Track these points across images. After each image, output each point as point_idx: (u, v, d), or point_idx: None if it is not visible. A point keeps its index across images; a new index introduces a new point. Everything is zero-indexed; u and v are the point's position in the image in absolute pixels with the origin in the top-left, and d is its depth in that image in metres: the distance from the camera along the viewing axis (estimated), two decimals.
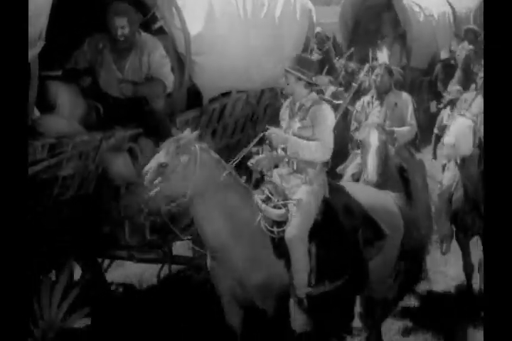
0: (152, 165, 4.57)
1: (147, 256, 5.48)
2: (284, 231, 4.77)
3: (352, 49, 12.45)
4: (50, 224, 5.01)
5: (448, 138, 6.06)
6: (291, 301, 4.89)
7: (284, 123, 5.14)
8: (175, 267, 6.21)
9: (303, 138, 4.94)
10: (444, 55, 12.72)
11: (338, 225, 4.98)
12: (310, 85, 5.06)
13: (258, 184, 5.04)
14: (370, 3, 13.06)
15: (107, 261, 6.13)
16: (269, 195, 4.90)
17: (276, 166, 5.07)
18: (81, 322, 5.20)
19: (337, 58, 12.62)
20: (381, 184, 5.97)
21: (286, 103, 5.28)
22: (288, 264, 4.82)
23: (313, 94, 5.12)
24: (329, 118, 5.04)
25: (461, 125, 6.11)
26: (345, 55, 12.75)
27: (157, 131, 5.55)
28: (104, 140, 5.24)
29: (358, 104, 6.85)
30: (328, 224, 4.95)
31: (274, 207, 4.85)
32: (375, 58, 11.96)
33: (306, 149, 4.89)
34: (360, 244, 5.06)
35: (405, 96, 6.74)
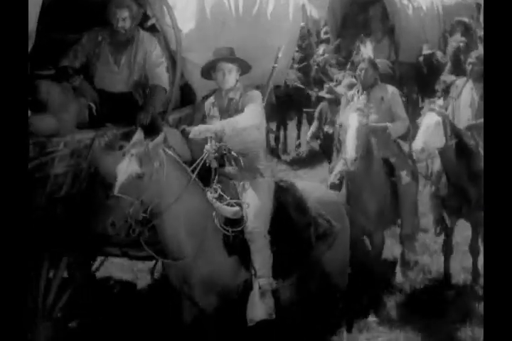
0: (129, 176, 4.54)
1: (140, 253, 5.49)
2: (237, 230, 4.88)
3: (338, 41, 12.50)
4: (43, 222, 5.03)
5: (415, 144, 6.13)
6: (253, 293, 4.95)
7: (215, 121, 5.17)
8: None
9: None
10: (426, 49, 12.54)
11: (291, 221, 5.10)
12: (241, 68, 5.20)
13: (209, 182, 5.08)
14: None
15: (99, 259, 6.15)
16: (221, 193, 4.97)
17: (222, 165, 5.14)
18: (75, 320, 5.21)
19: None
20: (363, 175, 6.01)
21: (209, 100, 5.35)
22: (242, 261, 4.94)
23: (240, 85, 5.22)
24: (256, 101, 5.13)
25: (429, 124, 6.19)
26: (330, 47, 12.83)
27: (150, 128, 5.57)
28: (97, 138, 5.25)
29: (343, 98, 6.86)
30: (280, 221, 5.07)
31: (227, 204, 4.93)
32: (358, 52, 12.06)
33: (237, 121, 4.98)
34: (313, 240, 5.19)
35: (392, 89, 6.71)
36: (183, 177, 4.85)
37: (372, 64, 6.71)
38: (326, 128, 9.25)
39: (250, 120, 5.05)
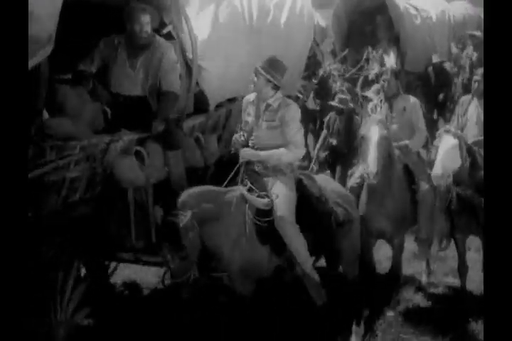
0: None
1: (153, 259, 5.52)
2: (269, 220, 5.21)
3: (346, 51, 12.51)
4: (58, 226, 5.06)
5: (435, 170, 6.17)
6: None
7: (249, 119, 5.50)
8: None
9: (272, 137, 5.37)
10: (435, 58, 12.58)
11: (313, 210, 5.45)
12: (277, 87, 5.39)
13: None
14: (365, 6, 12.98)
15: (112, 265, 6.17)
16: (252, 187, 5.29)
17: (249, 162, 5.47)
18: (84, 321, 5.23)
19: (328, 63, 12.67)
20: (385, 184, 6.11)
21: (250, 98, 5.59)
22: (275, 249, 5.30)
23: (279, 94, 5.46)
24: (297, 117, 5.45)
25: (447, 148, 6.22)
26: (338, 57, 12.84)
27: (165, 135, 5.61)
28: (112, 143, 5.29)
29: (367, 108, 6.91)
30: (304, 211, 5.39)
31: (258, 196, 5.25)
32: (367, 60, 12.07)
33: (284, 155, 5.37)
34: (334, 227, 5.55)
35: (413, 100, 6.78)
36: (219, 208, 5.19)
37: (395, 74, 6.76)
38: (331, 140, 9.33)
39: (294, 156, 5.49)
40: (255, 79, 5.39)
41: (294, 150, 5.38)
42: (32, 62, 4.55)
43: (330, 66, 12.01)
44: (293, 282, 5.68)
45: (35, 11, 4.50)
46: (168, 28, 6.08)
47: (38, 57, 4.59)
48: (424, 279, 7.16)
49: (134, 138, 5.49)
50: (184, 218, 4.86)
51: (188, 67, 6.11)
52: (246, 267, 5.14)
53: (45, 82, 4.74)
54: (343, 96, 9.21)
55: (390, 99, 6.69)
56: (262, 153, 5.39)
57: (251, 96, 5.59)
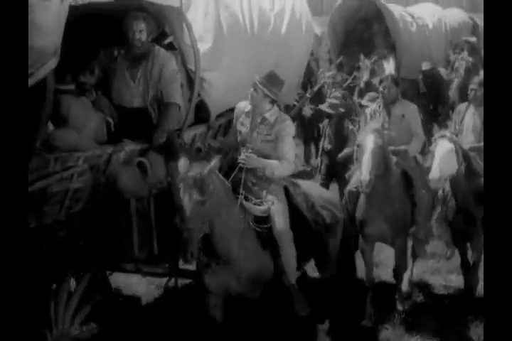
0: (193, 206, 4.78)
1: (154, 270, 5.55)
2: (266, 226, 5.31)
3: (340, 58, 12.56)
4: (59, 237, 5.09)
5: (432, 174, 6.24)
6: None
7: (243, 130, 5.59)
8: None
9: (265, 150, 5.47)
10: (425, 66, 12.63)
11: (302, 217, 5.58)
12: (274, 101, 5.52)
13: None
14: (361, 14, 13.07)
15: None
16: (247, 195, 5.36)
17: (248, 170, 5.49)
18: (89, 333, 5.25)
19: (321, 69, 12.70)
20: (383, 189, 6.21)
21: (244, 107, 5.68)
22: (273, 255, 5.37)
23: (275, 108, 5.58)
24: (292, 133, 5.59)
25: (444, 152, 6.32)
26: (332, 64, 12.88)
27: (166, 146, 5.64)
28: (114, 153, 5.32)
29: (365, 113, 6.97)
30: (294, 218, 5.49)
31: (255, 204, 5.33)
32: (358, 68, 12.12)
33: (279, 168, 5.47)
34: (322, 230, 5.73)
35: (412, 106, 6.86)
36: (228, 191, 5.23)
37: (395, 81, 6.81)
38: (325, 144, 9.39)
39: (285, 171, 5.55)
40: (254, 93, 5.48)
41: (286, 164, 5.49)
42: (38, 75, 4.59)
43: (324, 73, 12.08)
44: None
45: (41, 24, 4.55)
46: (170, 39, 6.12)
47: (44, 69, 4.63)
48: (405, 287, 7.11)
49: (136, 148, 5.52)
50: (211, 165, 4.91)
51: (189, 77, 6.14)
52: (255, 270, 5.21)
53: (51, 94, 4.77)
54: (333, 101, 9.23)
55: (388, 105, 6.75)
56: (263, 161, 5.45)
57: (245, 106, 5.67)
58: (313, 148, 12.17)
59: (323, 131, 9.52)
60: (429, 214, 6.65)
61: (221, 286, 5.28)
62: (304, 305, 5.52)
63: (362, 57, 12.18)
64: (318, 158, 9.65)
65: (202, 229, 4.85)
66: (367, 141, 6.07)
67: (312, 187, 6.20)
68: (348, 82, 11.44)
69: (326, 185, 9.52)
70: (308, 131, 11.86)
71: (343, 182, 9.49)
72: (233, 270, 5.18)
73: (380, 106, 6.82)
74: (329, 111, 9.06)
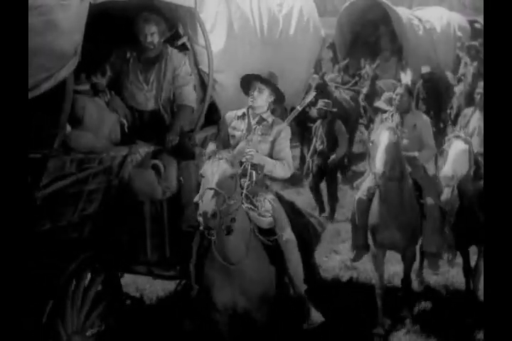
0: (223, 174, 4.55)
1: (166, 273, 5.53)
2: (272, 239, 5.03)
3: (347, 60, 12.56)
4: (73, 238, 5.06)
5: (446, 170, 6.23)
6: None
7: (238, 133, 5.42)
8: None
9: (263, 151, 5.30)
10: (424, 69, 12.57)
11: (295, 227, 5.34)
12: (277, 101, 5.45)
13: None
14: (369, 17, 13.09)
15: None
16: (250, 206, 5.10)
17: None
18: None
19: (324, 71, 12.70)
20: (397, 196, 6.19)
21: (236, 113, 5.52)
22: (279, 270, 5.12)
23: (269, 112, 5.47)
24: (289, 136, 5.43)
25: (458, 151, 6.31)
26: (338, 66, 12.89)
27: (178, 148, 5.62)
28: (129, 156, 5.30)
29: (376, 120, 6.98)
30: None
31: (259, 215, 5.08)
32: (359, 76, 12.14)
33: (279, 168, 5.29)
34: (313, 238, 5.64)
35: (425, 117, 6.86)
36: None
37: (409, 90, 6.82)
38: (317, 145, 9.44)
39: (284, 172, 5.35)
40: (255, 93, 5.35)
41: (285, 166, 5.33)
42: (58, 77, 4.56)
43: (328, 75, 12.10)
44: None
45: (61, 25, 4.52)
46: (183, 40, 6.08)
47: (64, 71, 4.60)
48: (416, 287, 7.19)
49: (149, 150, 5.50)
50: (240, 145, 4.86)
51: (201, 78, 6.11)
52: (263, 286, 4.98)
53: (70, 94, 4.74)
54: (326, 100, 9.30)
55: (401, 114, 6.73)
56: (265, 158, 5.26)
57: (235, 113, 5.54)
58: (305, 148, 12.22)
59: (315, 132, 9.57)
60: (441, 227, 6.59)
61: (229, 303, 4.98)
62: (316, 314, 5.36)
63: (363, 62, 12.21)
64: (309, 159, 9.70)
65: (225, 199, 4.49)
66: (381, 137, 6.05)
67: (291, 196, 6.05)
68: (349, 85, 11.50)
69: (316, 184, 9.63)
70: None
71: (332, 184, 9.62)
72: (243, 282, 4.89)
73: (392, 115, 6.79)
74: (325, 108, 9.15)
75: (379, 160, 5.92)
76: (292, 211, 5.49)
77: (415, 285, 7.19)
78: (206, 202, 4.41)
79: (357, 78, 11.83)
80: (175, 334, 5.86)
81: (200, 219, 4.39)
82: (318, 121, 9.62)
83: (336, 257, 8.09)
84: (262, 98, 5.38)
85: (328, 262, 7.92)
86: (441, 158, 6.82)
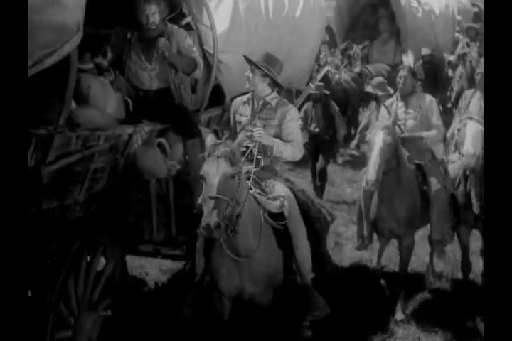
0: (223, 177, 4.46)
1: (172, 252, 5.50)
2: (283, 222, 5.00)
3: (346, 43, 12.52)
4: (78, 217, 5.03)
5: (467, 149, 6.20)
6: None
7: (243, 119, 5.34)
8: None
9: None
10: (424, 51, 12.52)
11: (307, 214, 5.34)
12: (273, 85, 5.30)
13: None
14: None
15: None
16: (259, 191, 5.06)
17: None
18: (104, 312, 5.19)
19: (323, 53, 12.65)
20: (395, 186, 6.17)
21: (241, 99, 5.46)
22: (286, 256, 5.06)
23: (275, 94, 5.36)
24: (296, 118, 5.40)
25: (474, 131, 6.27)
26: (338, 48, 12.85)
27: (184, 126, 5.60)
28: (134, 134, 5.27)
29: (383, 105, 6.91)
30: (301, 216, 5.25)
31: (268, 199, 5.04)
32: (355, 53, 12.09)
33: (288, 149, 5.21)
34: (324, 227, 5.60)
35: (429, 98, 6.75)
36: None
37: (412, 72, 6.76)
38: (312, 128, 9.38)
39: (293, 154, 5.27)
40: (250, 75, 5.26)
41: (295, 147, 5.24)
42: (62, 52, 4.51)
43: (326, 58, 12.03)
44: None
45: (62, 0, 4.47)
46: (187, 19, 6.06)
47: (67, 46, 4.55)
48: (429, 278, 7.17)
49: (155, 129, 5.47)
50: (239, 138, 4.79)
51: (206, 59, 6.09)
52: (271, 269, 4.93)
53: (75, 71, 4.70)
54: (318, 83, 9.19)
55: (405, 96, 6.67)
56: (274, 139, 5.17)
57: (242, 98, 5.48)
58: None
59: (305, 115, 9.44)
60: (446, 214, 6.53)
61: (234, 289, 4.94)
62: (323, 304, 5.31)
63: (352, 45, 12.14)
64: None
65: (229, 203, 4.44)
66: (376, 138, 6.04)
67: (304, 183, 5.93)
68: (342, 67, 11.46)
69: (312, 165, 9.63)
70: None
71: (325, 164, 9.56)
72: (250, 266, 4.84)
73: (397, 98, 6.74)
74: (315, 92, 9.06)
75: (372, 168, 5.92)
76: (306, 199, 5.45)
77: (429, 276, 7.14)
78: (208, 213, 4.34)
79: (346, 61, 11.80)
80: (173, 321, 5.74)
81: (203, 231, 4.36)
82: (308, 104, 9.48)
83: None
84: (256, 78, 5.27)
85: None
86: (452, 141, 6.73)
